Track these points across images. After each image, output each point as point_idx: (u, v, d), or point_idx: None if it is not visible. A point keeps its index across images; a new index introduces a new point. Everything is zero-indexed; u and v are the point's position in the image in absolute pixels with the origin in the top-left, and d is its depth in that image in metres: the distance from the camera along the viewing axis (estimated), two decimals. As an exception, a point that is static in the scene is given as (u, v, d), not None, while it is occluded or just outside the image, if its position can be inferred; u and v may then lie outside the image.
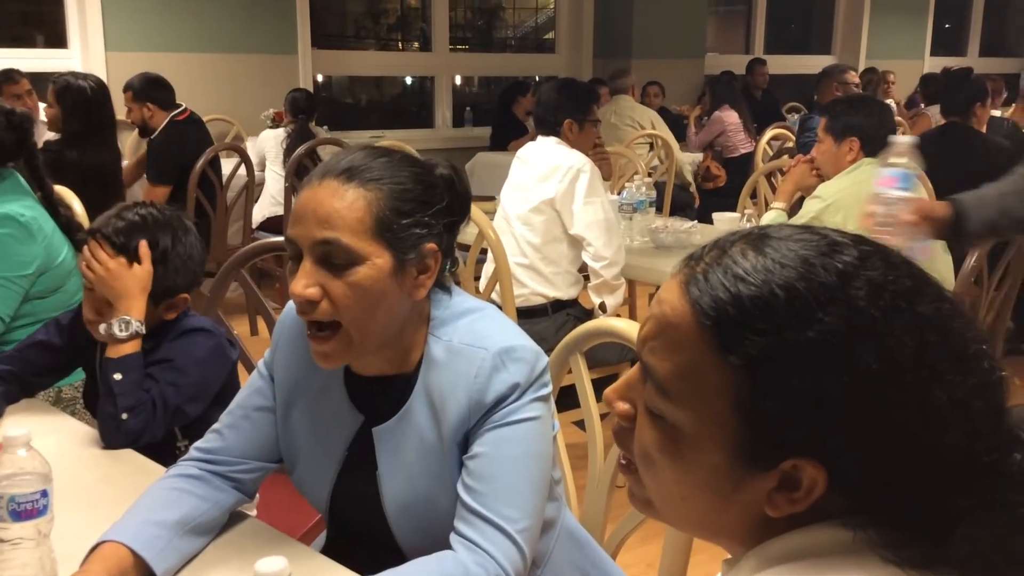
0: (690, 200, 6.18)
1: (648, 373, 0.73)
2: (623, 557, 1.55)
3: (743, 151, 6.73)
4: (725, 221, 3.71)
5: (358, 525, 1.40)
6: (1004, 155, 3.35)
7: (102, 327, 1.72)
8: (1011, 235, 1.90)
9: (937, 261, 2.80)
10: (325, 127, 5.93)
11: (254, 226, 5.04)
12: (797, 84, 8.99)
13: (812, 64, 8.50)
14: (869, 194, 2.02)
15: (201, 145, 4.41)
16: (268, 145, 5.30)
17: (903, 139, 2.05)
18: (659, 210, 4.47)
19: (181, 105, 4.51)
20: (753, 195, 4.45)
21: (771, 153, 5.54)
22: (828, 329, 0.65)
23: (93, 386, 1.85)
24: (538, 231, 3.15)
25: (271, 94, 6.00)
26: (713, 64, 8.45)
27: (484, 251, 3.00)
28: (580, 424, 1.61)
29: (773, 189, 4.36)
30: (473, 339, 1.30)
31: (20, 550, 1.16)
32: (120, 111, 4.48)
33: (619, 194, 3.78)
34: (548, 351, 1.44)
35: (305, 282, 1.22)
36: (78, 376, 2.08)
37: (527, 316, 3.11)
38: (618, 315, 3.09)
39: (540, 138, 3.27)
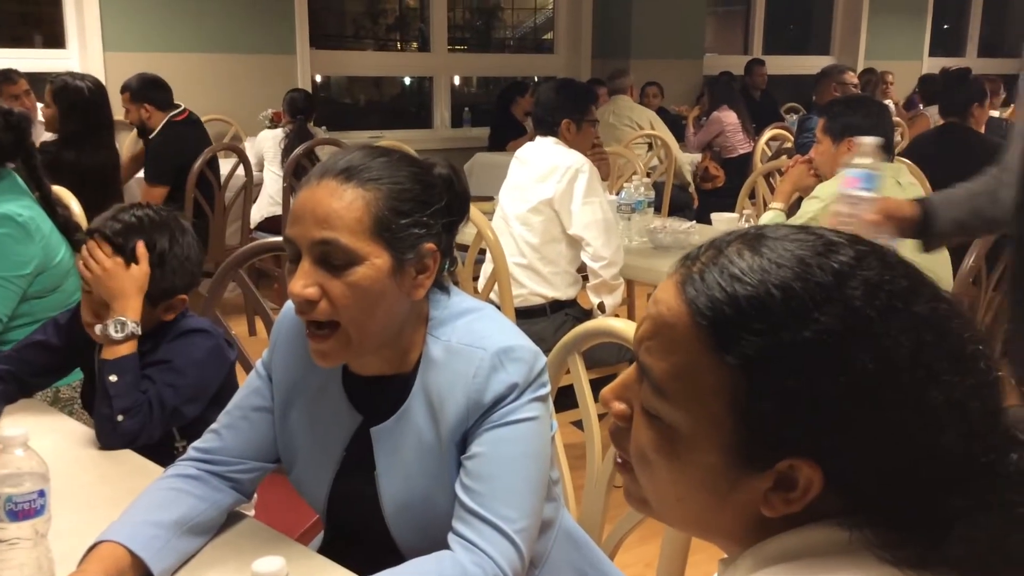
0: (689, 200, 6.18)
1: (644, 373, 0.73)
2: (621, 557, 1.54)
3: (741, 151, 6.74)
4: (723, 221, 3.71)
5: (356, 525, 1.40)
6: (1002, 155, 3.36)
7: (98, 328, 1.72)
8: (980, 234, 1.90)
9: (935, 261, 2.80)
10: (323, 127, 5.93)
11: (252, 226, 5.04)
12: (796, 85, 9.00)
13: (811, 65, 8.51)
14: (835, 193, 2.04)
15: (199, 146, 4.41)
16: (266, 145, 5.30)
17: (868, 140, 2.07)
18: (658, 210, 4.47)
19: (179, 105, 4.51)
20: (752, 195, 4.45)
21: (769, 153, 5.54)
22: (824, 329, 0.65)
23: (91, 386, 1.85)
24: (536, 231, 3.15)
25: (269, 94, 6.00)
26: (712, 65, 8.45)
27: (483, 251, 3.00)
28: (578, 424, 1.61)
29: (771, 189, 4.37)
30: (471, 339, 1.30)
31: (17, 550, 1.16)
32: (118, 112, 4.49)
33: (618, 194, 3.78)
34: (547, 351, 1.44)
35: (304, 282, 1.22)
36: (76, 376, 2.08)
37: (526, 316, 3.11)
38: (616, 315, 3.09)
39: (538, 138, 3.27)
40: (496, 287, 2.89)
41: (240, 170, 4.74)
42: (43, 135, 3.97)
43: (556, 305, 3.19)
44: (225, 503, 1.38)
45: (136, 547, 1.22)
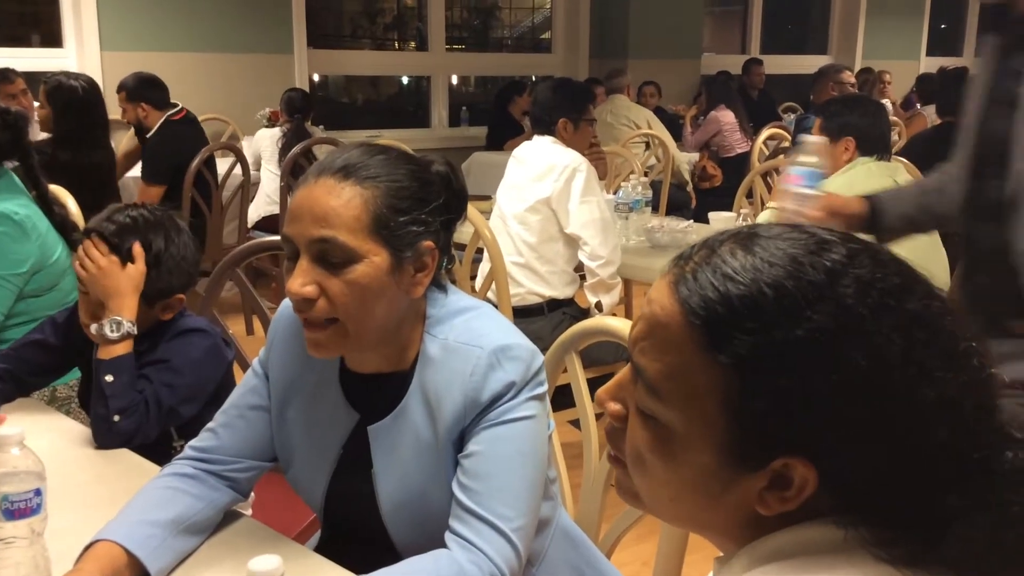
0: (687, 200, 6.18)
1: (639, 373, 0.73)
2: (618, 556, 1.55)
3: (739, 151, 6.74)
4: (721, 221, 3.71)
5: (353, 524, 1.40)
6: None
7: (93, 327, 1.71)
8: (930, 230, 1.93)
9: (931, 260, 2.81)
10: (321, 127, 5.93)
11: (250, 225, 5.03)
12: (793, 84, 9.00)
13: (808, 64, 8.51)
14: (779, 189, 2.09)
15: (196, 145, 4.40)
16: (264, 144, 5.30)
17: (811, 139, 2.12)
18: (655, 209, 4.47)
19: (177, 105, 4.50)
20: (749, 195, 4.45)
21: (767, 153, 5.55)
22: (816, 327, 0.65)
23: (88, 385, 1.84)
24: (534, 230, 3.15)
25: (267, 93, 6.00)
26: (710, 64, 8.45)
27: (480, 250, 3.00)
28: (576, 423, 1.61)
29: (769, 189, 4.37)
30: (469, 337, 1.30)
31: (13, 549, 1.16)
32: (115, 111, 4.48)
33: (615, 193, 3.78)
34: (544, 350, 1.43)
35: (302, 280, 1.22)
36: (73, 375, 2.08)
37: (523, 315, 3.11)
38: (614, 314, 3.09)
39: (536, 137, 3.27)
40: (493, 286, 2.89)
41: (237, 169, 4.73)
42: (39, 135, 3.96)
43: (553, 304, 3.19)
44: (222, 502, 1.38)
45: (132, 546, 1.22)
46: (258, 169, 5.27)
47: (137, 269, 1.74)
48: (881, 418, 0.65)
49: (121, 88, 4.45)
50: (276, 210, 5.05)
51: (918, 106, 7.37)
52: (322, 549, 1.38)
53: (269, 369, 1.43)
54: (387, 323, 1.28)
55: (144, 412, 1.68)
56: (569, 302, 3.25)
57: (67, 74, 3.89)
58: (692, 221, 3.90)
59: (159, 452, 1.67)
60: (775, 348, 0.66)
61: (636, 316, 0.76)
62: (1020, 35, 1.70)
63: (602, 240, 3.10)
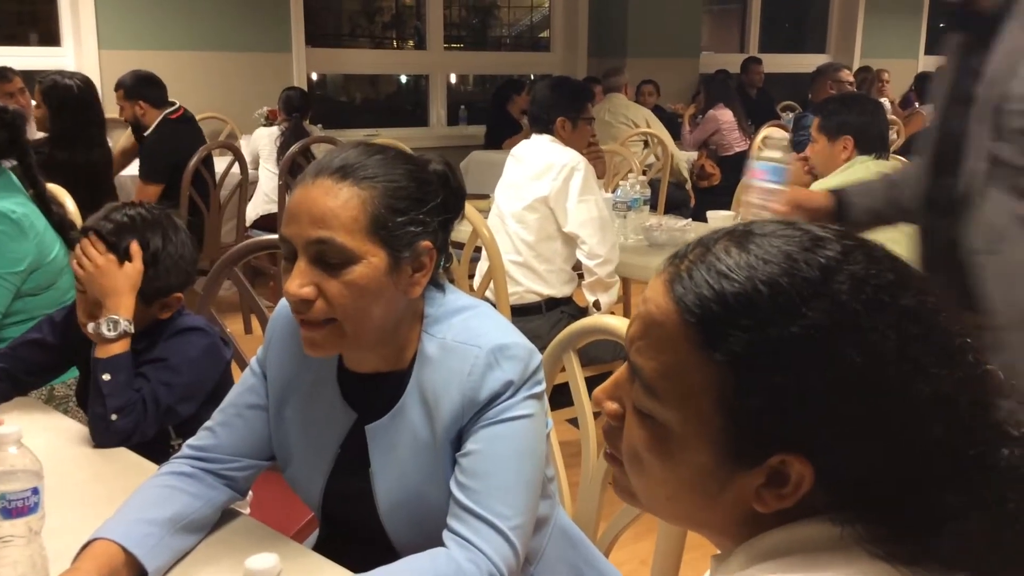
0: (686, 198, 6.18)
1: (635, 372, 0.73)
2: (616, 554, 1.55)
3: (737, 149, 6.74)
4: (719, 219, 3.71)
5: (351, 523, 1.40)
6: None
7: (91, 326, 1.71)
8: (896, 223, 1.97)
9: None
10: (319, 125, 5.93)
11: (248, 224, 5.03)
12: (792, 83, 9.00)
13: (807, 63, 8.51)
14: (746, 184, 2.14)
15: (194, 144, 4.40)
16: (262, 143, 5.30)
17: (776, 134, 2.15)
18: (654, 208, 4.47)
19: (174, 103, 4.50)
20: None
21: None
22: (811, 324, 0.65)
23: (86, 384, 1.84)
24: (532, 229, 3.15)
25: (265, 92, 6.00)
26: (708, 63, 8.45)
27: (478, 249, 3.00)
28: (574, 421, 1.61)
29: (767, 187, 4.36)
30: (467, 336, 1.30)
31: (11, 547, 1.16)
32: (113, 109, 4.48)
33: (613, 192, 3.78)
34: (542, 349, 1.43)
35: (300, 282, 1.22)
36: (71, 374, 2.08)
37: (521, 314, 3.11)
38: (612, 313, 3.09)
39: (534, 136, 3.27)
40: (492, 285, 2.89)
41: (235, 168, 4.73)
42: (36, 134, 3.95)
43: (552, 303, 3.19)
44: (219, 501, 1.38)
45: (130, 545, 1.22)
46: (256, 168, 5.27)
47: (134, 268, 1.74)
48: (876, 414, 0.65)
49: (119, 86, 4.44)
50: (274, 209, 5.05)
51: (916, 105, 7.38)
52: (320, 548, 1.38)
53: (267, 368, 1.43)
54: (385, 323, 1.28)
55: (142, 411, 1.68)
56: (567, 301, 3.25)
57: (62, 73, 3.89)
58: (690, 220, 3.90)
59: (157, 451, 1.67)
60: (770, 345, 0.66)
61: (633, 315, 0.76)
62: (980, 34, 1.72)
63: (600, 239, 3.10)
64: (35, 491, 1.17)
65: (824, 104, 3.25)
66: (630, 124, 6.33)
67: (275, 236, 1.28)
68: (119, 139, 4.75)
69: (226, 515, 1.40)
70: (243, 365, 1.86)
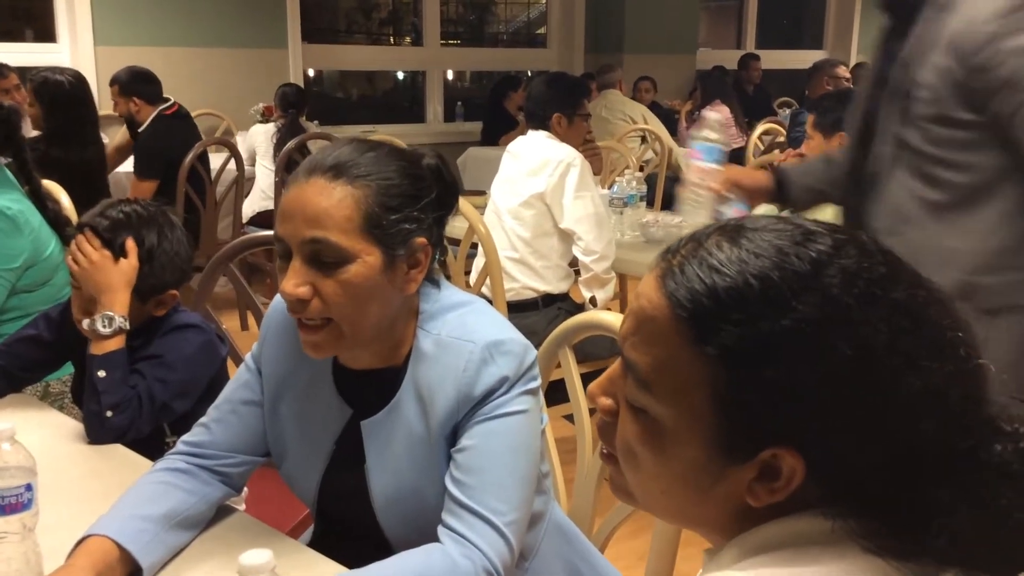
0: (684, 194, 6.17)
1: (629, 368, 0.73)
2: (612, 550, 1.55)
3: (734, 146, 6.72)
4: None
5: (346, 519, 1.40)
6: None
7: (85, 322, 1.71)
8: (835, 202, 2.02)
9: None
10: (316, 122, 5.92)
11: (244, 221, 5.03)
12: (789, 79, 9.00)
13: (804, 59, 8.51)
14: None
15: (189, 140, 4.39)
16: (258, 140, 5.29)
17: (711, 115, 2.24)
18: (650, 204, 4.47)
19: (169, 99, 4.49)
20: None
21: (762, 148, 5.55)
22: (802, 317, 0.65)
23: (81, 381, 1.84)
24: (528, 225, 3.15)
25: (261, 89, 5.99)
26: (705, 59, 8.45)
27: (475, 245, 3.00)
28: (570, 418, 1.61)
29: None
30: (462, 332, 1.30)
31: (5, 544, 1.16)
32: (109, 105, 4.47)
33: (610, 188, 3.78)
34: (539, 345, 1.43)
35: (295, 281, 1.22)
36: (67, 370, 2.07)
37: (518, 310, 3.10)
38: (608, 309, 3.09)
39: (530, 132, 3.26)
40: (488, 281, 2.89)
41: (231, 164, 4.72)
42: (31, 132, 3.94)
43: (548, 299, 3.19)
44: (214, 497, 1.38)
45: (124, 541, 1.21)
46: (252, 165, 5.26)
47: (129, 264, 1.74)
48: (867, 408, 0.65)
49: (114, 82, 4.44)
50: (271, 206, 5.04)
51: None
52: (315, 544, 1.38)
53: (262, 364, 1.42)
54: (381, 320, 1.28)
55: (137, 408, 1.68)
56: (564, 297, 3.25)
57: (53, 69, 3.87)
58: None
59: (152, 448, 1.67)
60: (761, 339, 0.66)
61: (626, 311, 0.76)
62: (901, 19, 1.75)
63: (596, 235, 3.10)
64: (29, 487, 1.17)
65: (820, 100, 3.25)
66: (627, 120, 6.33)
67: (271, 232, 1.28)
68: (114, 136, 4.74)
69: (221, 511, 1.40)
70: (239, 362, 1.86)
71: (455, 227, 3.01)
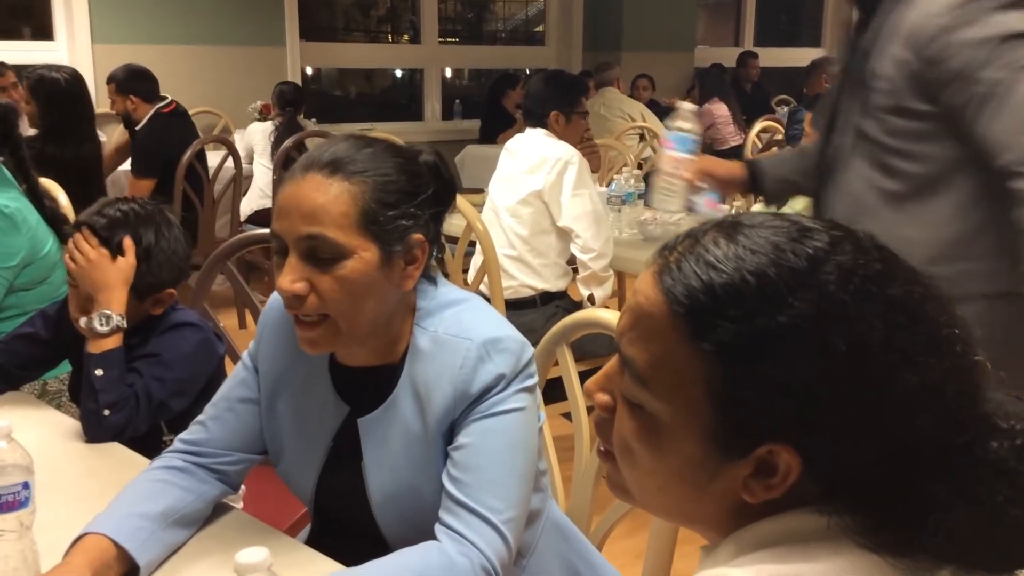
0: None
1: (626, 364, 0.74)
2: (609, 548, 1.55)
3: (733, 143, 6.75)
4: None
5: (343, 516, 1.40)
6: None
7: (82, 321, 1.71)
8: (808, 193, 2.04)
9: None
10: (314, 120, 5.92)
11: (242, 219, 5.02)
12: (787, 77, 9.00)
13: (802, 57, 8.50)
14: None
15: (186, 138, 4.38)
16: (256, 138, 5.29)
17: (685, 106, 2.25)
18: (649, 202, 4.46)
19: (166, 97, 4.48)
20: (742, 187, 4.44)
21: (760, 145, 5.55)
22: (798, 314, 0.66)
23: (79, 379, 1.84)
24: (526, 223, 3.15)
25: (259, 87, 5.99)
26: (703, 57, 8.45)
27: (473, 243, 2.99)
28: (568, 416, 1.61)
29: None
30: (458, 330, 1.30)
31: (2, 542, 1.15)
32: (107, 103, 4.47)
33: (608, 186, 3.78)
34: (537, 343, 1.43)
35: (291, 277, 1.22)
36: (64, 369, 2.07)
37: (516, 308, 3.10)
38: (606, 307, 3.09)
39: (528, 130, 3.26)
40: (486, 279, 2.89)
41: (229, 163, 4.72)
42: (28, 131, 3.93)
43: (546, 297, 3.19)
44: (211, 495, 1.37)
45: (121, 539, 1.21)
46: (250, 163, 5.26)
47: (127, 262, 1.74)
48: (863, 404, 0.65)
49: (110, 80, 4.43)
50: (269, 204, 5.03)
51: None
52: (312, 542, 1.38)
53: (259, 362, 1.42)
54: (378, 317, 1.28)
55: (134, 406, 1.68)
56: (562, 295, 3.25)
57: (49, 67, 3.86)
58: (684, 214, 3.89)
59: (149, 446, 1.67)
60: (757, 335, 0.66)
61: (623, 307, 0.76)
62: (866, 10, 1.79)
63: (594, 233, 3.10)
64: (25, 485, 1.16)
65: (818, 98, 3.24)
66: (626, 118, 6.34)
67: (269, 231, 1.28)
68: (112, 133, 4.74)
69: (219, 509, 1.40)
70: (237, 360, 1.86)
71: (453, 225, 3.01)
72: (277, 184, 4.80)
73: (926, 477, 0.66)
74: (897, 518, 0.66)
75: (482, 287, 3.00)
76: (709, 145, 6.83)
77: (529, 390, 1.30)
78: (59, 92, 3.74)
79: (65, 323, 1.82)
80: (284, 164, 4.71)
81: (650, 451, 0.73)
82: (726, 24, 9.68)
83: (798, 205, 2.13)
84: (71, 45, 5.71)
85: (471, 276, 3.20)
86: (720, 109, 6.84)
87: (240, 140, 5.29)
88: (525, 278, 3.17)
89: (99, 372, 1.67)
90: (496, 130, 6.41)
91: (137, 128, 4.40)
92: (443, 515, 1.23)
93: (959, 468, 0.66)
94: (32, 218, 2.26)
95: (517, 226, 3.16)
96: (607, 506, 1.49)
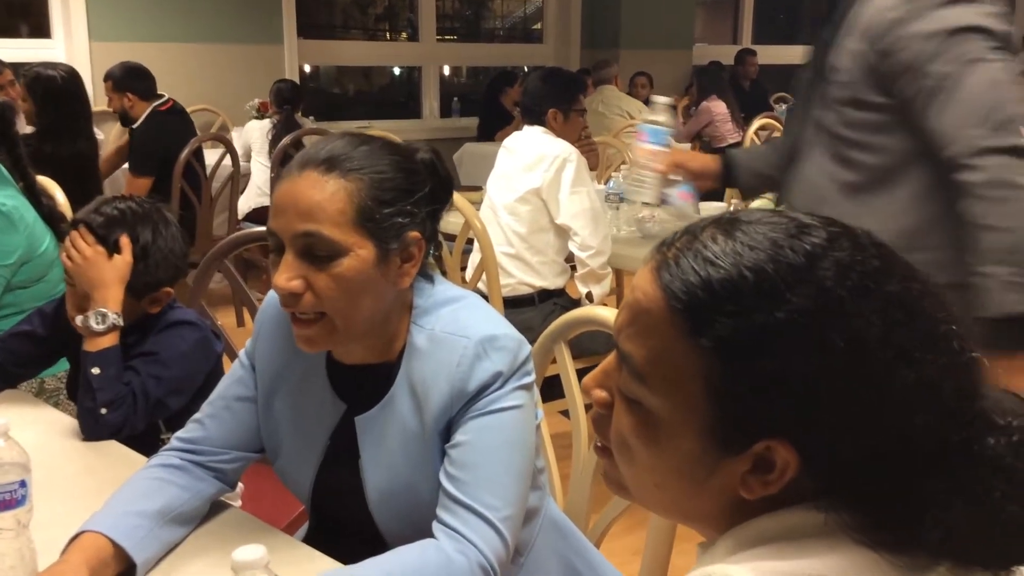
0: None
1: (624, 360, 0.74)
2: (607, 546, 1.55)
3: (731, 141, 6.74)
4: (712, 210, 3.69)
5: (341, 514, 1.40)
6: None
7: (79, 319, 1.71)
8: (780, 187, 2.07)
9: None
10: (311, 117, 5.91)
11: (240, 217, 5.02)
12: (786, 74, 8.98)
13: (800, 54, 8.47)
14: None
15: (183, 136, 4.38)
16: (254, 136, 5.28)
17: (660, 99, 2.27)
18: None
19: (163, 95, 4.48)
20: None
21: (758, 143, 5.54)
22: (796, 309, 0.66)
23: (77, 377, 1.84)
24: (524, 221, 3.15)
25: (257, 84, 5.98)
26: (701, 54, 8.45)
27: (471, 241, 2.99)
28: (566, 413, 1.61)
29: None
30: (455, 328, 1.30)
31: (-1, 540, 1.15)
32: (104, 101, 4.46)
33: (606, 184, 3.77)
34: (534, 341, 1.43)
35: (288, 275, 1.22)
36: (61, 367, 2.07)
37: (514, 306, 3.10)
38: (604, 304, 3.09)
39: (526, 127, 3.26)
40: (484, 276, 2.89)
41: (227, 161, 4.72)
42: (25, 129, 3.93)
43: (544, 294, 3.19)
44: (208, 493, 1.37)
45: (118, 537, 1.21)
46: (248, 161, 5.26)
47: (123, 260, 1.73)
48: (860, 400, 0.65)
49: (107, 77, 4.43)
50: (266, 202, 5.03)
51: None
52: (310, 540, 1.38)
53: (255, 360, 1.42)
54: (375, 315, 1.28)
55: (131, 404, 1.67)
56: (560, 292, 3.25)
57: (46, 64, 3.85)
58: (658, 205, 3.89)
59: (147, 444, 1.67)
60: (755, 331, 0.66)
61: (621, 303, 0.76)
62: (832, 5, 1.81)
63: (592, 230, 3.10)
64: (23, 484, 1.16)
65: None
66: (624, 116, 6.34)
67: (264, 228, 1.28)
68: (110, 131, 4.73)
69: (216, 507, 1.40)
70: (234, 358, 1.86)
71: (451, 223, 3.01)
72: (274, 182, 4.79)
73: (923, 474, 0.66)
74: (894, 515, 0.66)
75: (480, 285, 3.00)
76: (708, 143, 6.83)
77: (526, 388, 1.30)
78: (56, 90, 3.73)
79: (62, 321, 1.82)
80: (282, 162, 4.70)
81: (647, 447, 0.73)
82: (724, 22, 9.68)
83: (756, 204, 2.15)
84: (68, 43, 5.70)
85: (469, 274, 3.20)
86: (718, 107, 6.84)
87: (238, 138, 5.29)
88: (523, 276, 3.17)
89: (96, 370, 1.66)
90: (494, 128, 6.41)
91: (134, 126, 4.40)
92: (440, 513, 1.23)
93: (956, 465, 0.66)
94: (29, 216, 2.25)
95: (515, 224, 3.16)
96: (605, 503, 1.49)
